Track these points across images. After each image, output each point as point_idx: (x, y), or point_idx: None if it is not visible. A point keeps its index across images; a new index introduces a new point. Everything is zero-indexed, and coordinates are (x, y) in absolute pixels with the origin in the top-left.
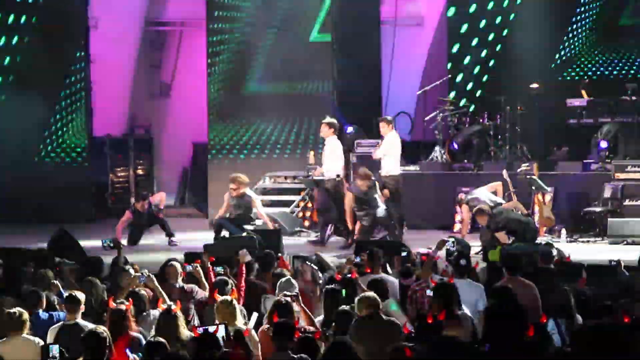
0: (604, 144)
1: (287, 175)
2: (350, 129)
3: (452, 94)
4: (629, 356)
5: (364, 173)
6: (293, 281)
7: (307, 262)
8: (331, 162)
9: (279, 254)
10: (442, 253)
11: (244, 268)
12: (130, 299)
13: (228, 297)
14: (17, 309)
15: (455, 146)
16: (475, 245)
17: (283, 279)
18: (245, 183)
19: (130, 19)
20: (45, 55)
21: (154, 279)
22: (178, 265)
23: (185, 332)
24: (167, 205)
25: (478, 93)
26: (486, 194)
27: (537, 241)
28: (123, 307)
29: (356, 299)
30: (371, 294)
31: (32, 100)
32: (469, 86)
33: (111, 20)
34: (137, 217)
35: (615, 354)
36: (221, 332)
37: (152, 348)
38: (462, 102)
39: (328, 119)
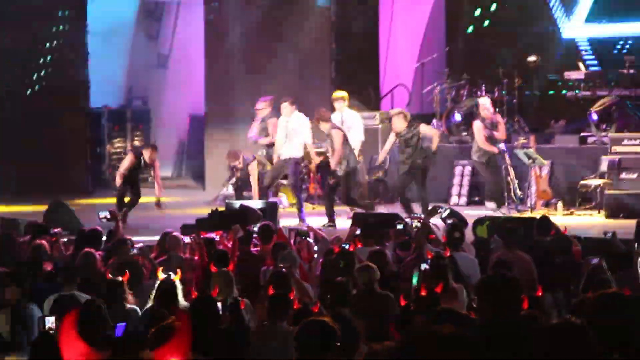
0: (595, 116)
1: None
2: None
3: (450, 66)
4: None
5: None
6: (295, 254)
7: (303, 236)
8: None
9: (279, 226)
10: (438, 222)
11: (236, 243)
12: (126, 270)
13: (224, 269)
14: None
15: (459, 118)
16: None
17: (285, 252)
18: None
19: None
20: (42, 26)
21: (147, 251)
22: (178, 236)
23: (183, 303)
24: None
25: (476, 65)
26: None
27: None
28: (119, 278)
29: (356, 268)
30: (372, 265)
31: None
32: (467, 58)
33: None
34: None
35: (620, 325)
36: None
37: (149, 318)
38: (460, 75)
39: (339, 93)
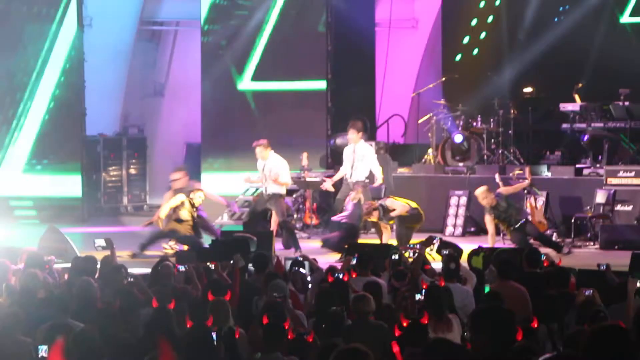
0: (585, 137)
1: None
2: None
3: (446, 97)
4: None
5: None
6: (283, 284)
7: (298, 267)
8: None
9: (276, 256)
10: (434, 254)
11: (238, 272)
12: (119, 298)
13: (221, 298)
14: (13, 310)
15: (460, 139)
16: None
17: (275, 281)
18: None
19: (125, 18)
20: (38, 53)
21: (141, 279)
22: (171, 265)
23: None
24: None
25: (471, 96)
26: None
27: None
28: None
29: (352, 298)
30: (368, 295)
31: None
32: (463, 89)
33: (106, 19)
34: None
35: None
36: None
37: (142, 347)
38: (456, 105)
39: (355, 124)
